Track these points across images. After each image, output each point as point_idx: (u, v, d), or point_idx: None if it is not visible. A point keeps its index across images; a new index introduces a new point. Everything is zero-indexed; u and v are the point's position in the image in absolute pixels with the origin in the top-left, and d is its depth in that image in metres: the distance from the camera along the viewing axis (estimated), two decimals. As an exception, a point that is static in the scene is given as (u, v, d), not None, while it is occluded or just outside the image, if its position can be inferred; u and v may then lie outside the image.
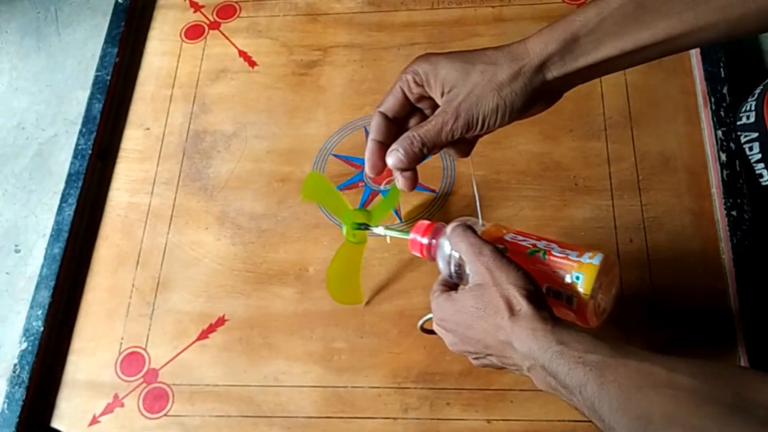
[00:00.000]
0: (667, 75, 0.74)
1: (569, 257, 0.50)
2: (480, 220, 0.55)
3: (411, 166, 0.46)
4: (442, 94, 0.45)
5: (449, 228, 0.50)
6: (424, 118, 0.48)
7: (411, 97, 0.47)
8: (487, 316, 0.44)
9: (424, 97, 0.47)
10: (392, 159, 0.46)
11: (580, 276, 0.49)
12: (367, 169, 0.48)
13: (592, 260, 0.49)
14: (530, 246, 0.52)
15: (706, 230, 0.66)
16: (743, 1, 0.39)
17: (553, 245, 0.51)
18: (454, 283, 0.51)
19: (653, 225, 0.67)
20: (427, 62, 0.45)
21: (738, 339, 0.61)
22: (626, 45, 0.41)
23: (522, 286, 0.43)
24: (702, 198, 0.68)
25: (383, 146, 0.47)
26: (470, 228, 0.49)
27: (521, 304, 0.43)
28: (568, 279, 0.49)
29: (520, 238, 0.53)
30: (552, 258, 0.50)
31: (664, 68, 0.74)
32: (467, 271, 0.48)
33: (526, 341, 0.42)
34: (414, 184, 0.47)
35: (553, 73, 0.43)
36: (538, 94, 0.43)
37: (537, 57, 0.42)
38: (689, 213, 0.67)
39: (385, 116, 0.47)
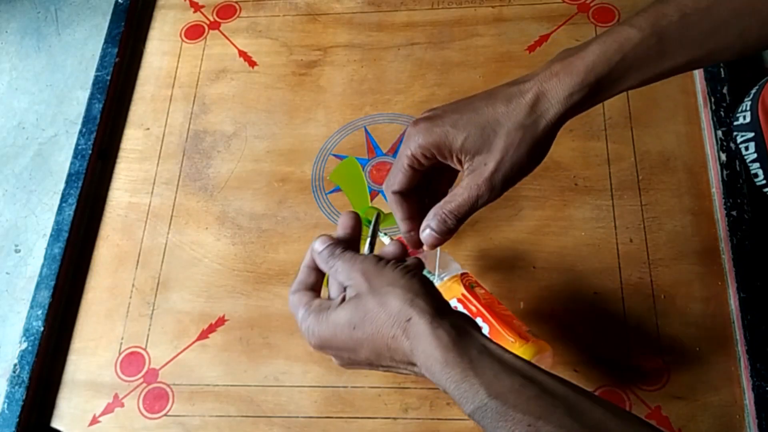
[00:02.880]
0: (667, 75, 0.74)
1: None
2: (437, 273, 0.57)
3: (446, 240, 0.44)
4: (461, 162, 0.42)
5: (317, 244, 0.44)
6: (441, 177, 0.47)
7: (421, 170, 0.44)
8: (372, 334, 0.38)
9: (438, 164, 0.44)
10: (429, 240, 0.43)
11: None
12: (411, 247, 0.45)
13: None
14: None
15: (706, 230, 0.66)
16: (760, 26, 0.39)
17: (485, 330, 0.55)
18: (315, 291, 0.44)
19: (653, 225, 0.67)
20: (432, 133, 0.41)
21: (738, 339, 0.61)
22: (646, 76, 0.41)
23: (411, 292, 0.38)
24: (702, 198, 0.68)
25: (414, 221, 0.45)
26: (340, 247, 0.43)
27: (412, 315, 0.37)
28: None
29: (462, 310, 0.56)
30: None
31: (664, 68, 0.74)
32: (345, 282, 0.42)
33: (435, 374, 0.36)
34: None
35: (572, 115, 0.42)
36: (557, 132, 0.43)
37: (561, 107, 0.40)
38: (689, 213, 0.67)
39: (400, 194, 0.45)
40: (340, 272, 0.41)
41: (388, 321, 0.37)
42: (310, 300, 0.43)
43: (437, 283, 0.58)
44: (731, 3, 0.39)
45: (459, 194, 0.42)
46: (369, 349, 0.39)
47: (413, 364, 0.38)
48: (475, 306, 0.57)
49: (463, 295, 0.58)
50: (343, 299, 0.41)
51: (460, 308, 0.57)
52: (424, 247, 0.44)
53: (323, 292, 0.45)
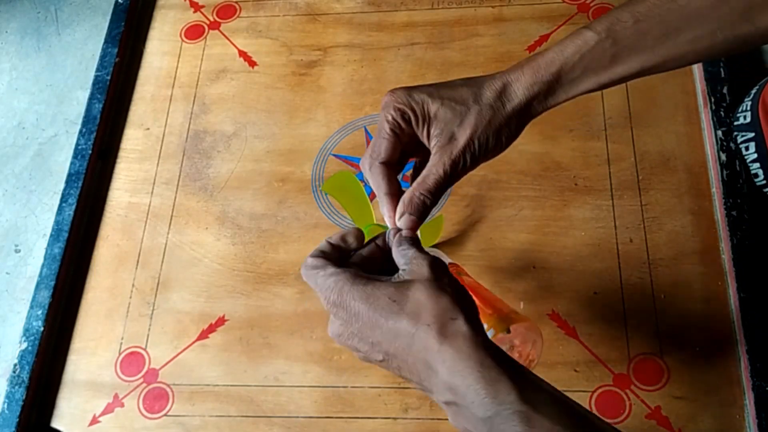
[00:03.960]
0: (666, 75, 0.74)
1: None
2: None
3: (423, 221, 0.45)
4: (429, 135, 0.44)
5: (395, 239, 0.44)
6: (405, 157, 0.47)
7: (402, 139, 0.45)
8: (403, 318, 0.36)
9: (412, 138, 0.45)
10: (406, 223, 0.44)
11: None
12: (391, 225, 0.45)
13: None
14: None
15: (706, 230, 0.66)
16: (711, 34, 0.42)
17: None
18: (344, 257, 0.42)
19: (653, 225, 0.67)
20: (410, 98, 0.44)
21: (738, 339, 0.61)
22: (602, 80, 0.44)
23: (465, 301, 0.37)
24: (702, 198, 0.68)
25: (397, 198, 0.45)
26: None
27: (459, 317, 0.36)
28: None
29: None
30: None
31: (664, 68, 0.74)
32: (402, 266, 0.41)
33: (462, 376, 0.34)
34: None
35: (537, 109, 0.45)
36: (524, 125, 0.46)
37: (525, 98, 0.44)
38: (689, 213, 0.67)
39: (386, 166, 0.45)
40: (410, 255, 0.41)
41: (433, 311, 0.36)
42: (337, 245, 0.42)
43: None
44: (682, 11, 0.42)
45: (432, 172, 0.44)
46: (389, 330, 0.37)
47: (428, 365, 0.36)
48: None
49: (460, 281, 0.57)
50: (390, 279, 0.39)
51: None
52: (404, 232, 0.44)
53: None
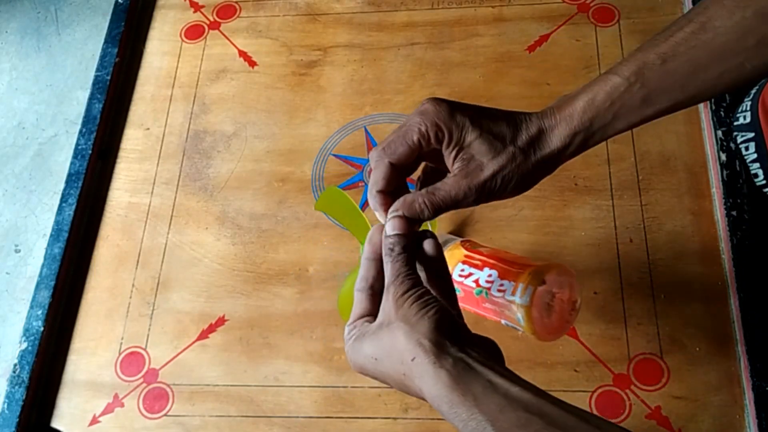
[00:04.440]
0: (667, 75, 0.74)
1: (505, 296, 0.52)
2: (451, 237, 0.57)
3: (409, 230, 0.43)
4: (456, 156, 0.43)
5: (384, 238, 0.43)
6: (419, 161, 0.46)
7: (424, 151, 0.44)
8: (390, 370, 0.38)
9: (433, 152, 0.44)
10: (395, 224, 0.43)
11: (519, 317, 0.52)
12: (381, 219, 0.45)
13: (522, 300, 0.51)
14: (474, 285, 0.54)
15: (706, 230, 0.66)
16: (738, 66, 0.41)
17: (494, 275, 0.54)
18: (368, 321, 0.43)
19: (653, 225, 0.67)
20: (452, 117, 0.43)
21: (738, 339, 0.61)
22: (633, 121, 0.43)
23: (418, 332, 0.37)
24: (702, 198, 0.68)
25: (390, 197, 0.44)
26: (409, 245, 0.42)
27: (416, 354, 0.37)
28: (514, 318, 0.52)
29: (468, 269, 0.55)
30: (493, 298, 0.53)
31: (664, 68, 0.74)
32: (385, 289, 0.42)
33: (443, 412, 0.36)
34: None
35: (566, 158, 0.45)
36: (550, 172, 0.46)
37: (557, 147, 0.44)
38: (689, 213, 0.67)
39: (393, 166, 0.44)
40: (387, 275, 0.41)
41: (398, 358, 0.38)
42: (353, 322, 0.42)
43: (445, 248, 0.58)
44: (707, 47, 0.41)
45: (445, 189, 0.43)
46: (392, 382, 0.39)
47: (426, 400, 0.38)
48: (479, 259, 0.56)
49: (466, 255, 0.57)
50: (374, 320, 0.41)
51: (466, 269, 0.56)
52: (387, 228, 0.43)
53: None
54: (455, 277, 0.56)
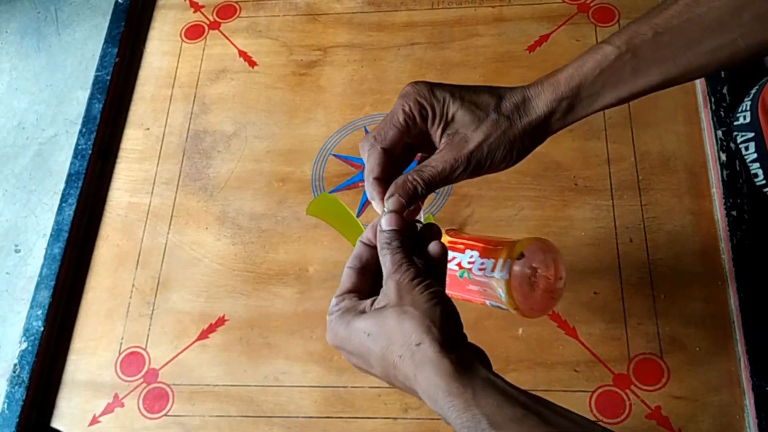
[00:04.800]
0: (667, 75, 0.74)
1: (485, 274, 0.52)
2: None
3: (408, 208, 0.44)
4: (442, 133, 0.44)
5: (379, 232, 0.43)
6: (412, 151, 0.47)
7: (412, 131, 0.44)
8: (383, 350, 0.38)
9: (421, 133, 0.45)
10: (393, 204, 0.43)
11: (501, 293, 0.52)
12: (377, 208, 0.45)
13: (501, 274, 0.51)
14: (457, 267, 0.54)
15: (706, 230, 0.66)
16: (732, 42, 0.41)
17: (475, 255, 0.53)
18: (356, 297, 0.43)
19: (653, 225, 0.67)
20: (432, 94, 0.43)
21: (738, 339, 0.61)
22: (623, 93, 0.43)
23: (429, 318, 0.37)
24: (702, 198, 0.68)
25: (386, 183, 0.44)
26: (405, 240, 0.42)
27: (423, 341, 0.36)
28: (496, 296, 0.52)
29: (452, 254, 0.55)
30: (475, 277, 0.53)
31: (664, 68, 0.74)
32: (384, 279, 0.41)
33: (437, 402, 0.36)
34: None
35: (555, 126, 0.45)
36: (539, 141, 0.45)
37: (543, 113, 0.43)
38: (689, 213, 0.67)
39: (385, 152, 0.44)
40: (385, 267, 0.41)
41: (400, 340, 0.37)
42: (342, 294, 0.42)
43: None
44: (701, 21, 0.41)
45: (433, 165, 0.43)
46: (377, 362, 0.39)
47: (414, 391, 0.38)
48: (462, 243, 0.56)
49: (449, 241, 0.57)
50: (372, 304, 0.40)
51: (450, 254, 0.55)
52: (383, 223, 0.43)
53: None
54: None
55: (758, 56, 0.42)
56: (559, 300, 0.54)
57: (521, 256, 0.51)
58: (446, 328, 0.37)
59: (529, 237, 0.54)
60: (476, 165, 0.43)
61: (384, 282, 0.41)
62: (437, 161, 0.43)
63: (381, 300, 0.40)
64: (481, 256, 0.54)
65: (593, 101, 0.43)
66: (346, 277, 0.43)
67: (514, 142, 0.43)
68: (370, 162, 0.44)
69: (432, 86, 0.44)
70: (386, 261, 0.41)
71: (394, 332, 0.37)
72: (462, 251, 0.55)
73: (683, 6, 0.41)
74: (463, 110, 0.43)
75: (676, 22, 0.41)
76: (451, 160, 0.43)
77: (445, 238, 0.58)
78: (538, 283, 0.52)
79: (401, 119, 0.43)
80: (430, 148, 0.46)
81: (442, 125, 0.44)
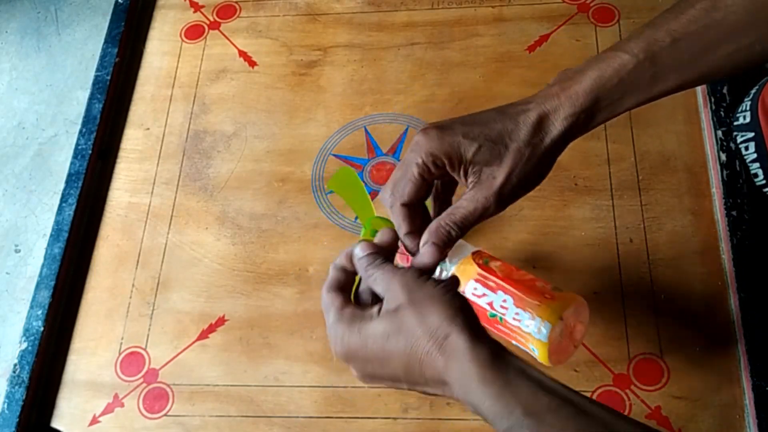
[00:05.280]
0: (667, 75, 0.74)
1: (521, 326, 0.52)
2: (447, 260, 0.56)
3: (446, 254, 0.44)
4: (467, 174, 0.43)
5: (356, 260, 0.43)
6: (436, 188, 0.46)
7: (430, 180, 0.44)
8: (406, 348, 0.37)
9: (441, 175, 0.44)
10: (431, 254, 0.42)
11: (535, 350, 0.53)
12: (414, 257, 0.44)
13: (540, 336, 0.51)
14: (488, 307, 0.54)
15: (706, 230, 0.66)
16: (749, 46, 0.40)
17: (509, 302, 0.53)
18: (347, 292, 0.43)
19: (653, 225, 0.67)
20: (443, 142, 0.42)
21: (738, 339, 0.61)
22: (641, 99, 0.43)
23: (453, 309, 0.37)
24: (702, 198, 0.68)
25: (418, 235, 0.44)
26: (388, 257, 0.43)
27: (451, 332, 0.36)
28: (528, 347, 0.53)
29: (482, 289, 0.55)
30: (508, 324, 0.53)
31: (664, 68, 0.74)
32: (381, 293, 0.41)
33: (471, 392, 0.35)
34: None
35: (573, 137, 0.44)
36: (561, 152, 0.45)
37: (563, 128, 0.42)
38: (689, 213, 0.67)
39: (408, 207, 0.44)
40: (379, 283, 0.41)
41: (425, 336, 0.37)
42: (342, 304, 0.42)
43: (451, 270, 0.57)
44: (719, 26, 0.41)
45: (464, 206, 0.43)
46: (399, 363, 0.38)
47: (444, 383, 0.37)
48: (493, 281, 0.55)
49: (479, 274, 0.56)
50: (380, 311, 0.40)
51: (480, 289, 0.55)
52: (426, 262, 0.43)
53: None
54: (468, 294, 0.55)
55: None
56: (578, 347, 0.56)
57: (560, 318, 0.52)
58: (470, 317, 0.37)
59: (566, 294, 0.54)
60: (508, 196, 0.43)
61: (385, 291, 0.40)
62: (468, 201, 0.43)
63: (390, 302, 0.39)
64: (516, 304, 0.53)
65: (612, 110, 0.43)
66: (338, 274, 0.43)
67: (540, 166, 0.43)
68: (396, 220, 0.44)
69: (441, 133, 0.42)
70: (378, 276, 0.41)
71: (416, 330, 0.37)
72: (494, 291, 0.55)
73: (700, 11, 0.41)
74: (481, 150, 0.42)
75: (693, 28, 0.41)
76: (482, 199, 0.42)
77: (474, 268, 0.57)
78: (565, 336, 0.53)
79: (416, 174, 0.43)
80: (452, 182, 0.45)
81: (463, 168, 0.43)
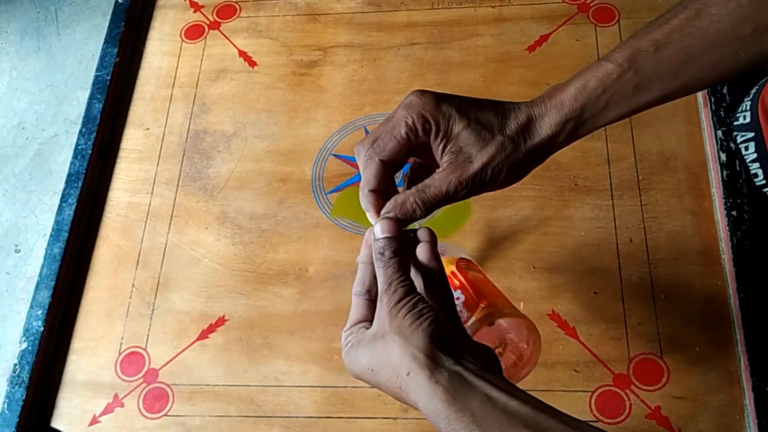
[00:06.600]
0: (667, 75, 0.74)
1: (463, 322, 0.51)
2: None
3: (402, 227, 0.42)
4: (444, 148, 0.42)
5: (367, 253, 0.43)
6: (407, 156, 0.45)
7: (412, 144, 0.43)
8: (385, 381, 0.38)
9: (422, 145, 0.43)
10: (384, 226, 0.42)
11: None
12: (372, 220, 0.44)
13: (469, 331, 0.50)
14: None
15: (706, 230, 0.66)
16: (733, 55, 0.40)
17: (460, 300, 0.53)
18: (363, 327, 0.42)
19: (653, 225, 0.67)
20: (438, 108, 0.42)
21: (738, 339, 0.61)
22: (625, 110, 0.42)
23: (413, 345, 0.37)
24: (702, 198, 0.68)
25: (382, 196, 0.43)
26: (401, 248, 0.42)
27: (411, 369, 0.36)
28: None
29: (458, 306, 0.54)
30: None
31: (664, 68, 0.74)
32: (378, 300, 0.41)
33: (441, 429, 0.36)
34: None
35: (557, 146, 0.44)
36: (541, 161, 0.45)
37: (547, 135, 0.42)
38: (689, 213, 0.67)
39: (383, 164, 0.43)
40: (380, 282, 0.40)
41: (393, 372, 0.37)
42: (350, 327, 0.42)
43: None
44: (702, 35, 0.40)
45: (436, 185, 0.42)
46: (389, 392, 0.39)
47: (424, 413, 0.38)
48: (459, 280, 0.55)
49: (451, 272, 0.56)
50: (368, 328, 0.40)
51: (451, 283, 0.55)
52: (376, 230, 0.42)
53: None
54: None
55: (758, 68, 0.42)
56: (523, 378, 0.54)
57: (491, 323, 0.51)
58: (431, 350, 0.36)
59: (519, 313, 0.53)
60: (479, 186, 0.42)
61: (378, 300, 0.40)
62: (440, 181, 0.42)
63: (374, 326, 0.39)
64: (464, 304, 0.53)
65: (596, 120, 0.43)
66: (354, 307, 0.43)
67: (518, 165, 0.43)
68: (367, 173, 0.43)
69: (438, 99, 0.42)
70: (380, 275, 0.40)
71: (387, 364, 0.38)
72: (455, 288, 0.55)
73: (684, 20, 0.41)
74: (469, 129, 0.42)
75: (677, 37, 0.41)
76: (454, 181, 0.42)
77: (450, 267, 0.57)
78: (504, 356, 0.53)
79: (403, 132, 0.42)
80: (427, 158, 0.45)
81: (444, 141, 0.42)
